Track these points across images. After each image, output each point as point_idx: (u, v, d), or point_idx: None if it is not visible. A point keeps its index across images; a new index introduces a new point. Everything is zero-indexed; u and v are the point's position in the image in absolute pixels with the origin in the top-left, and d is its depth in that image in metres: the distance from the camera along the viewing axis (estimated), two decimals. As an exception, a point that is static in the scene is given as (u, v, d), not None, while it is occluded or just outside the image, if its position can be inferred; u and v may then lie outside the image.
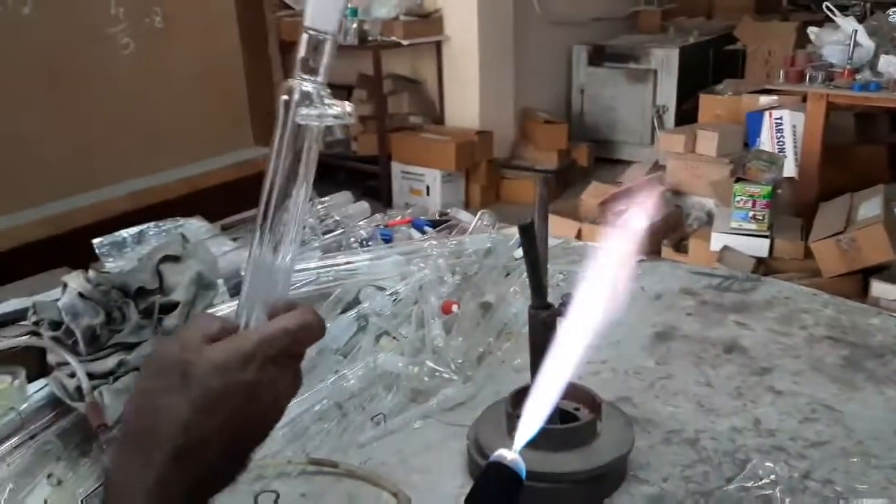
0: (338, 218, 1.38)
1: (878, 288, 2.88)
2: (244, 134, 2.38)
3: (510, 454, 0.61)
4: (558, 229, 3.67)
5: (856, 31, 3.20)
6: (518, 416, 0.95)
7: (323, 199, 1.44)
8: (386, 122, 5.06)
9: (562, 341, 0.66)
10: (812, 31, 3.57)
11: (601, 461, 0.89)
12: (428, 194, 5.02)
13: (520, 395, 0.94)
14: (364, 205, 1.48)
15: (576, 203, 3.97)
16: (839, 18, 3.35)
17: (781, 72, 3.41)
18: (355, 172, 5.35)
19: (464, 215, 1.56)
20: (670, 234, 3.62)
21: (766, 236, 3.16)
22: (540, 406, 0.65)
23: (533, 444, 0.90)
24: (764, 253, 3.17)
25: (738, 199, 3.12)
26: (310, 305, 0.60)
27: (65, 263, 1.29)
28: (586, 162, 5.51)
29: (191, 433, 0.52)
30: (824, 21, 3.61)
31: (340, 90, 5.57)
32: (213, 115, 2.30)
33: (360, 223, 1.40)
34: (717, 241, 3.22)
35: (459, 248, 1.39)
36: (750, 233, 3.16)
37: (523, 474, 0.61)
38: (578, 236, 3.63)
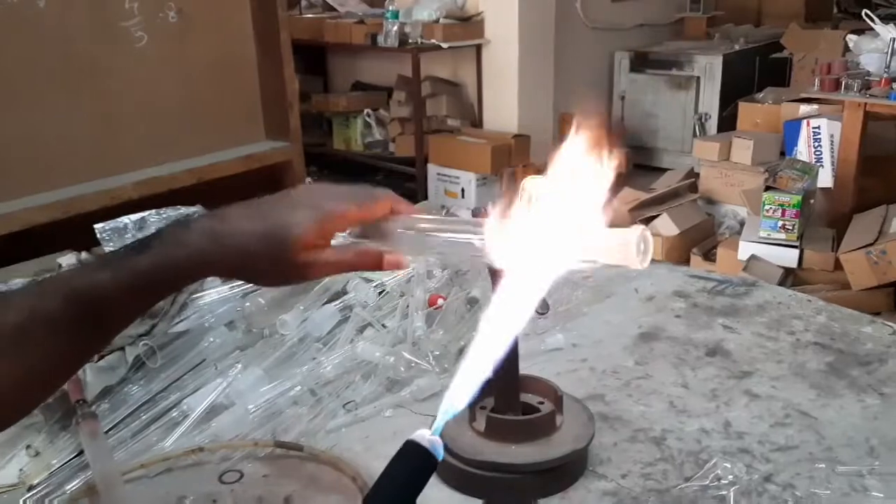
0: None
1: (909, 302, 2.81)
2: (256, 128, 2.43)
3: (428, 434, 0.62)
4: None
5: (894, 38, 3.12)
6: (483, 408, 0.97)
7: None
8: (424, 125, 5.09)
9: (489, 322, 0.66)
10: (851, 38, 3.49)
11: (557, 454, 0.89)
12: (463, 197, 5.03)
13: (484, 387, 0.95)
14: (362, 199, 1.50)
15: (608, 209, 3.94)
16: (878, 26, 3.27)
17: (817, 80, 3.34)
18: (393, 173, 5.40)
19: (464, 212, 1.57)
20: (701, 242, 3.58)
21: (795, 246, 3.10)
22: (464, 387, 0.66)
23: (490, 435, 0.92)
24: (793, 263, 3.11)
25: (766, 207, 3.07)
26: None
27: (71, 247, 1.34)
28: (624, 168, 5.46)
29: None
30: (867, 29, 3.53)
31: (380, 91, 5.62)
32: (226, 109, 2.35)
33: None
34: (745, 250, 3.16)
35: (453, 244, 1.40)
36: (778, 242, 3.10)
37: (440, 456, 0.61)
38: (607, 242, 3.60)
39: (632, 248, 0.60)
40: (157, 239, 0.67)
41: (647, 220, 3.63)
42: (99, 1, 2.08)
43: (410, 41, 4.89)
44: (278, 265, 0.68)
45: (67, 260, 1.13)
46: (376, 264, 0.71)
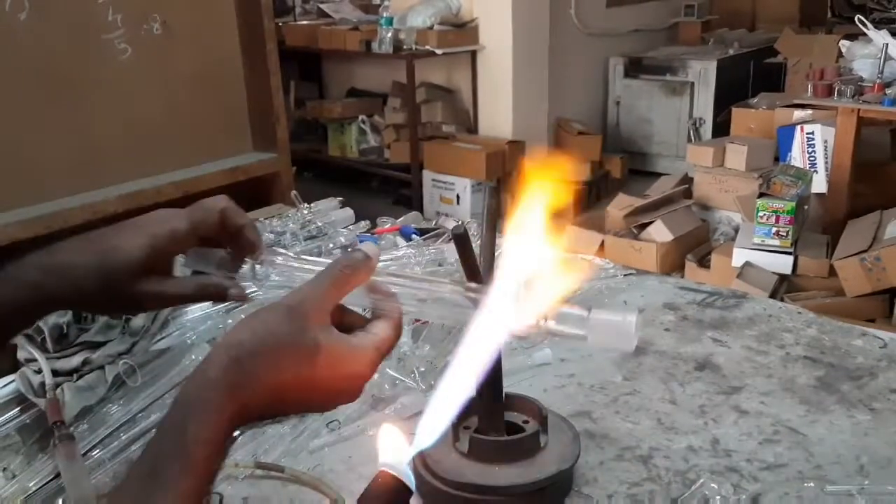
0: (320, 224, 1.39)
1: (904, 309, 2.79)
2: (243, 139, 2.41)
3: (400, 465, 0.60)
4: (581, 242, 3.64)
5: (887, 44, 3.11)
6: (467, 428, 0.96)
7: (308, 205, 1.45)
8: (418, 131, 5.08)
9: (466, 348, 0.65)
10: (844, 44, 3.49)
11: (541, 475, 0.88)
12: (458, 203, 5.03)
13: (467, 406, 0.94)
14: (348, 211, 1.49)
15: (602, 215, 3.93)
16: (871, 31, 3.26)
17: (810, 86, 3.33)
18: (388, 180, 5.39)
19: (452, 224, 1.56)
20: (695, 248, 3.56)
21: (789, 253, 3.09)
22: (438, 415, 0.64)
23: (473, 455, 0.91)
24: (787, 270, 3.09)
25: (760, 214, 3.06)
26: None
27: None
28: (620, 174, 5.47)
29: (279, 393, 0.56)
30: (860, 34, 3.52)
31: (375, 98, 5.62)
32: (212, 120, 2.34)
33: (342, 230, 1.41)
34: (739, 256, 3.15)
35: (440, 257, 1.39)
36: (773, 249, 3.09)
37: (413, 485, 0.60)
38: (601, 248, 3.60)
39: (631, 335, 0.59)
40: None
41: (642, 227, 3.62)
42: (81, 14, 2.06)
43: (405, 47, 4.89)
44: (117, 298, 0.66)
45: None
46: (220, 297, 0.69)
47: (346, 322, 0.63)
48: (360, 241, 1.40)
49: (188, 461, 0.52)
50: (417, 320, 1.25)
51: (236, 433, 0.57)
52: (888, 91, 3.12)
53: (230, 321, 1.17)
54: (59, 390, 1.03)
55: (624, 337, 0.58)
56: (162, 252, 0.67)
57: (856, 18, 3.37)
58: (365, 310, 0.67)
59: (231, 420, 0.54)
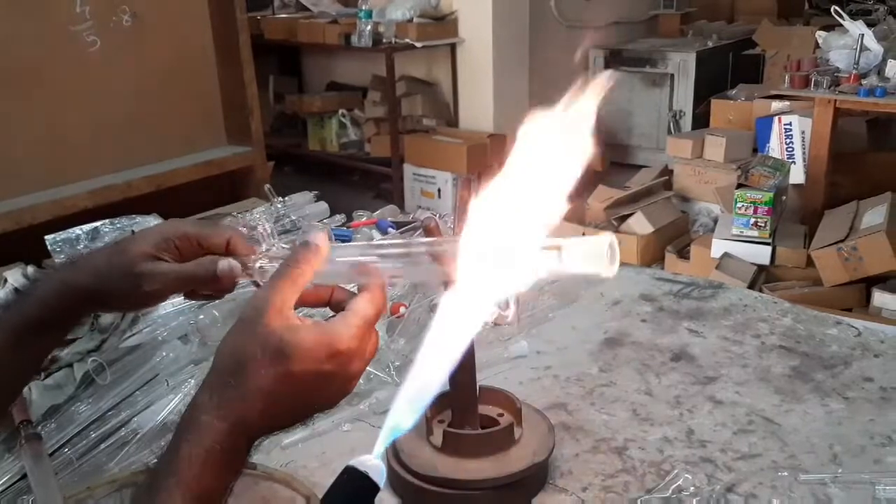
0: (294, 218, 1.37)
1: (881, 298, 2.81)
2: (216, 133, 2.38)
3: (370, 460, 0.59)
4: (561, 234, 3.64)
5: (862, 35, 3.13)
6: (441, 422, 0.95)
7: (283, 199, 1.44)
8: (399, 125, 5.06)
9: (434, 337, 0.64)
10: (820, 34, 3.50)
11: (515, 469, 0.87)
12: (439, 197, 5.01)
13: (440, 400, 0.93)
14: (323, 205, 1.47)
15: (582, 207, 3.93)
16: (847, 22, 3.28)
17: (786, 77, 3.34)
18: (369, 174, 5.36)
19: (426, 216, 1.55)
20: (675, 240, 3.57)
21: (767, 243, 3.11)
22: (408, 406, 0.63)
23: (447, 450, 0.90)
24: (765, 261, 3.11)
25: (739, 205, 3.07)
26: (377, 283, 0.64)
27: (23, 259, 1.30)
28: (600, 166, 5.46)
29: (269, 399, 0.58)
30: (837, 25, 3.53)
31: (355, 92, 5.58)
32: (184, 114, 2.30)
33: (317, 224, 1.40)
34: (718, 247, 3.16)
35: (416, 250, 1.38)
36: (751, 240, 3.10)
37: (381, 481, 0.59)
38: (582, 241, 3.59)
39: (604, 257, 0.58)
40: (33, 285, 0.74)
41: (622, 219, 3.62)
42: (47, 4, 2.02)
43: (384, 41, 4.86)
44: (123, 278, 0.71)
45: (13, 274, 1.09)
46: (210, 270, 0.72)
47: (335, 300, 0.67)
48: (338, 236, 1.39)
49: (179, 477, 0.56)
50: (393, 314, 1.24)
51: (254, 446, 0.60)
52: (864, 81, 3.14)
53: (201, 316, 1.15)
54: (26, 389, 1.01)
55: (600, 262, 0.58)
56: (169, 241, 0.73)
57: (832, 9, 3.39)
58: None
59: (227, 436, 0.57)
